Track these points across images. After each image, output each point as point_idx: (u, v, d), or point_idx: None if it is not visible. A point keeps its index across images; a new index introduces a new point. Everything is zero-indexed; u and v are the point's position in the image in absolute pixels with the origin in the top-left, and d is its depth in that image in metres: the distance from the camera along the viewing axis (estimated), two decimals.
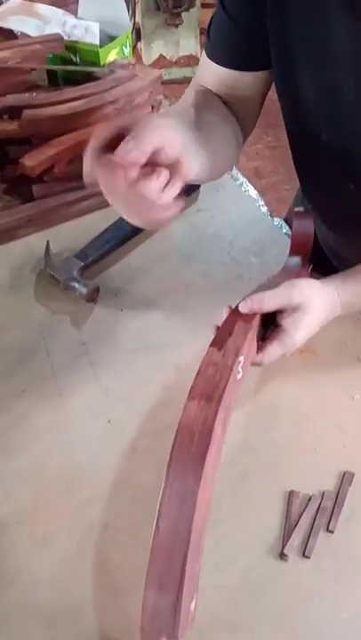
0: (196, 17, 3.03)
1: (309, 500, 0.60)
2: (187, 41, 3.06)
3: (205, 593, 0.53)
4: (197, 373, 0.56)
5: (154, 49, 3.07)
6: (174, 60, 3.09)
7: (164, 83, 1.09)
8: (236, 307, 0.62)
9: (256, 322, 0.61)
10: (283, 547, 0.56)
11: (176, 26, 2.98)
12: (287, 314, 0.63)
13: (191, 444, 0.50)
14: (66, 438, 0.66)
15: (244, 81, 0.72)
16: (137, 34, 3.02)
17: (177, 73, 3.04)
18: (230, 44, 0.70)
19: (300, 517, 0.58)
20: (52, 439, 0.66)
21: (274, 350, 0.63)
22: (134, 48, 3.03)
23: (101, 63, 1.10)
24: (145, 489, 0.61)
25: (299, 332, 0.63)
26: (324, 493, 0.60)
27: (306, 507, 0.59)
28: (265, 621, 0.52)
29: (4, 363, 0.73)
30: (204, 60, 0.74)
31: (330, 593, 0.54)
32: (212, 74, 0.74)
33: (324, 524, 0.58)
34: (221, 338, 0.59)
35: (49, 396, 0.70)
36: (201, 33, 3.11)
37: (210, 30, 0.72)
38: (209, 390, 0.54)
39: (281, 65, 0.67)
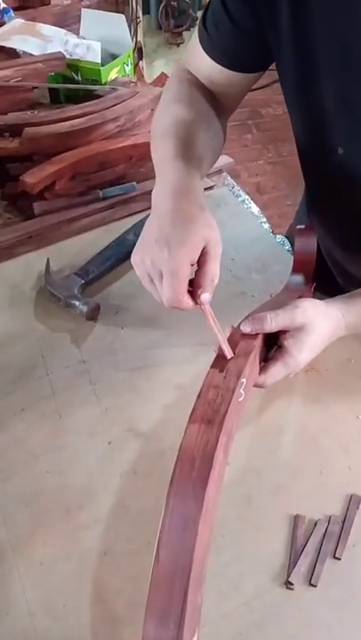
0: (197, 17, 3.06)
1: (315, 524, 0.58)
2: None
3: (209, 622, 0.51)
4: (198, 396, 0.55)
5: (156, 67, 3.10)
6: None
7: None
8: (238, 326, 0.61)
9: (259, 342, 0.60)
10: (288, 574, 0.54)
11: (178, 45, 3.02)
12: (290, 334, 0.61)
13: (192, 470, 0.49)
14: (65, 459, 0.64)
15: (236, 80, 0.73)
16: (139, 53, 3.05)
17: None
18: (228, 45, 0.70)
19: (306, 543, 0.57)
20: (50, 460, 0.64)
21: (277, 371, 0.61)
22: (136, 66, 3.06)
23: (103, 81, 1.11)
24: (145, 513, 0.59)
25: (302, 353, 0.61)
26: (330, 518, 0.59)
27: (312, 532, 0.57)
28: None
29: (2, 381, 0.72)
30: (198, 50, 0.73)
31: (337, 622, 0.52)
32: (204, 66, 0.73)
33: (331, 550, 0.56)
34: (223, 359, 0.58)
35: (48, 415, 0.68)
36: None
37: (206, 20, 0.70)
38: (210, 414, 0.53)
39: (299, 76, 0.66)
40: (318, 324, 0.62)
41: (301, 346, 0.61)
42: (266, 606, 0.53)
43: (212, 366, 0.57)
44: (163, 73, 3.47)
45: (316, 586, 0.54)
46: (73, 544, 0.57)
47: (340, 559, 0.55)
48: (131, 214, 0.94)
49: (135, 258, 0.59)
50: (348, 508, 0.59)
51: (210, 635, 0.51)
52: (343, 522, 0.58)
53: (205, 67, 0.73)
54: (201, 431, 0.51)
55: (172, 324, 0.79)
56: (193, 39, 0.75)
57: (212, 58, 0.72)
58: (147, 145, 0.98)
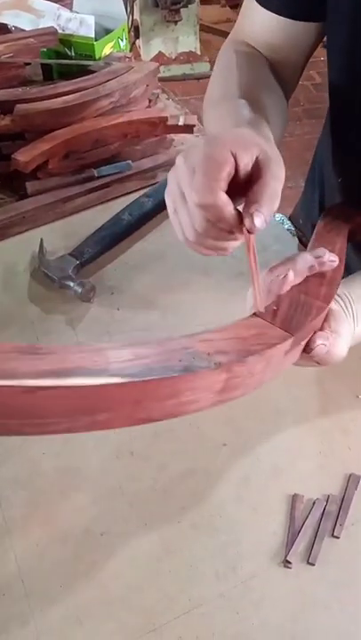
0: (195, 13, 3.01)
1: (314, 504, 0.58)
2: (186, 37, 3.04)
3: (206, 602, 0.51)
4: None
5: (153, 46, 3.05)
6: (173, 57, 3.06)
7: (163, 80, 1.07)
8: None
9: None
10: (286, 554, 0.54)
11: (175, 22, 2.96)
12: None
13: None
14: (60, 441, 0.63)
15: (296, 32, 0.67)
16: (135, 31, 3.00)
17: (176, 70, 3.02)
18: None
19: (304, 522, 0.56)
20: (46, 442, 0.63)
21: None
22: (133, 45, 3.00)
23: (97, 56, 1.08)
24: (141, 494, 0.58)
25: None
26: (329, 497, 0.58)
27: (310, 511, 0.57)
28: (268, 632, 0.50)
29: None
30: (250, 8, 0.68)
31: (335, 602, 0.51)
32: (260, 22, 0.68)
33: (329, 529, 0.56)
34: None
35: None
36: (200, 29, 3.08)
37: None
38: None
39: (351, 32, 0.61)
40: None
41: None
42: (264, 585, 0.52)
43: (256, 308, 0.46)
44: (160, 52, 3.42)
45: (314, 564, 0.53)
46: (69, 526, 0.57)
47: (338, 538, 0.55)
48: (126, 193, 0.92)
49: (167, 187, 0.49)
50: (346, 488, 0.59)
51: (207, 614, 0.50)
52: (342, 501, 0.58)
53: (262, 23, 0.68)
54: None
55: (169, 306, 0.78)
56: (244, 5, 0.71)
57: (269, 8, 0.66)
58: (142, 122, 0.97)
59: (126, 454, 0.62)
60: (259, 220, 0.43)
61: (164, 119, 0.95)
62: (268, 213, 0.44)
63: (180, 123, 0.97)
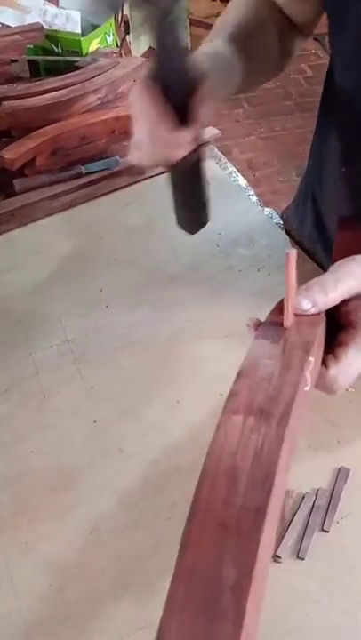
0: (185, 8, 2.99)
1: (303, 498, 0.57)
2: None
3: None
4: (239, 375, 0.37)
5: (143, 41, 3.03)
6: None
7: None
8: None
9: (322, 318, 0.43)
10: (276, 548, 0.54)
11: None
12: (357, 304, 0.44)
13: (234, 495, 0.29)
14: (49, 439, 0.63)
15: None
16: (125, 27, 2.98)
17: None
18: None
19: (293, 517, 0.56)
20: (35, 440, 0.63)
21: (352, 359, 0.43)
22: (123, 41, 2.99)
23: (84, 52, 1.07)
24: (131, 492, 0.58)
25: None
26: (318, 491, 0.58)
27: (299, 505, 0.57)
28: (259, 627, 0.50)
29: None
30: None
31: (325, 596, 0.51)
32: None
33: (319, 523, 0.56)
34: (275, 327, 0.41)
35: (32, 395, 0.67)
36: (191, 24, 3.07)
37: None
38: (264, 401, 0.35)
39: None
40: None
41: None
42: None
43: (257, 337, 0.41)
44: (151, 47, 3.41)
45: (303, 559, 0.53)
46: (58, 524, 0.56)
47: (328, 532, 0.55)
48: (115, 189, 0.92)
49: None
50: (336, 481, 0.59)
51: None
52: (331, 495, 0.57)
53: None
54: (248, 427, 0.33)
55: (157, 301, 0.77)
56: None
57: None
58: (130, 118, 0.96)
59: (115, 451, 0.62)
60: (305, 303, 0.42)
61: None
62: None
63: None
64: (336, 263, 0.45)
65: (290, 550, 0.54)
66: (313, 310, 0.42)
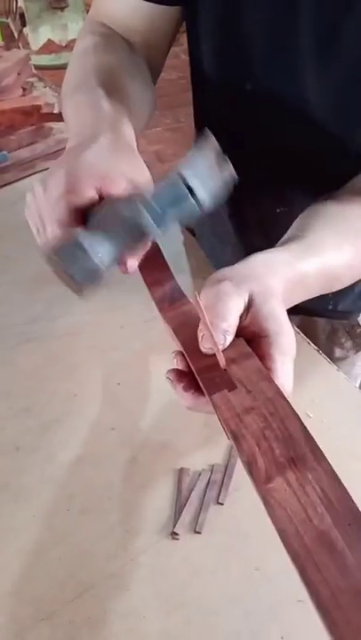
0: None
1: (199, 475, 0.60)
2: (75, 24, 2.98)
3: (97, 584, 0.52)
4: (235, 439, 0.35)
5: (41, 34, 2.97)
6: (64, 45, 3.00)
7: (55, 68, 1.03)
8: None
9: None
10: (174, 525, 0.56)
11: (62, 9, 2.90)
12: (245, 317, 0.44)
13: (344, 561, 0.28)
14: None
15: (154, 15, 0.67)
16: (21, 18, 2.90)
17: (68, 57, 2.93)
18: None
19: (190, 494, 0.58)
20: None
21: (283, 364, 0.42)
22: (20, 34, 2.91)
23: None
24: (28, 489, 0.58)
25: (282, 322, 0.44)
26: (213, 467, 0.60)
27: (196, 482, 0.59)
28: (159, 603, 0.51)
29: None
30: None
31: (221, 566, 0.53)
32: (118, 9, 0.67)
33: (214, 497, 0.58)
34: (215, 375, 0.40)
35: None
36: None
37: None
38: (286, 449, 0.33)
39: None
40: (265, 284, 0.45)
41: (275, 315, 0.44)
42: (153, 560, 0.54)
43: (211, 394, 0.39)
44: (49, 39, 3.34)
45: (200, 533, 0.55)
46: None
47: (222, 505, 0.57)
48: (4, 185, 0.90)
49: (27, 200, 0.50)
50: (230, 455, 0.61)
51: (98, 595, 0.51)
52: (225, 469, 0.60)
53: (120, 7, 0.67)
54: (296, 484, 0.31)
55: (53, 297, 0.77)
56: None
57: None
58: (15, 111, 0.94)
59: (12, 450, 0.61)
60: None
61: (38, 107, 0.94)
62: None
63: (56, 111, 0.96)
64: (203, 291, 0.45)
65: (187, 526, 0.56)
66: (229, 339, 0.43)
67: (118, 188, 0.46)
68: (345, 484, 0.32)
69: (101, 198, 0.47)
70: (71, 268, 0.46)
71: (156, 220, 0.46)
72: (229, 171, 0.48)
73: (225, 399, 0.38)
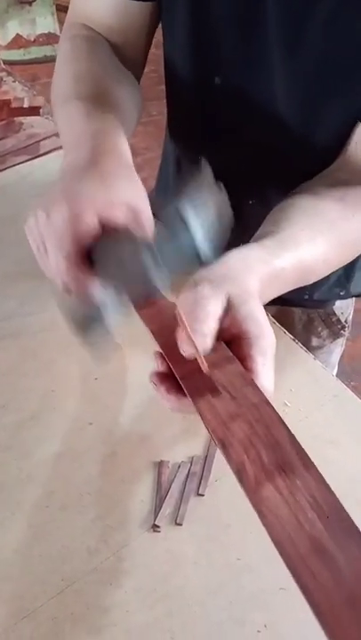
0: None
1: (179, 467, 0.60)
2: (43, 19, 2.94)
3: (79, 579, 0.51)
4: (223, 447, 0.35)
5: (10, 29, 2.92)
6: (32, 39, 2.96)
7: (25, 63, 1.02)
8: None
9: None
10: (155, 518, 0.56)
11: (29, 3, 2.86)
12: (226, 317, 0.44)
13: (337, 565, 0.27)
14: None
15: (131, 13, 0.67)
16: None
17: (37, 52, 2.92)
18: None
19: (170, 486, 0.58)
20: None
21: (263, 365, 0.42)
22: None
23: None
24: (6, 486, 0.57)
25: (260, 321, 0.44)
26: (193, 458, 0.60)
27: (176, 474, 0.59)
28: (141, 596, 0.51)
29: None
30: None
31: (203, 557, 0.54)
32: (96, 8, 0.68)
33: (195, 488, 0.58)
34: (198, 380, 0.40)
35: None
36: (57, 9, 3.00)
37: None
38: (274, 456, 0.33)
39: None
40: (245, 280, 0.46)
41: (254, 316, 0.44)
42: (135, 553, 0.54)
43: (196, 401, 0.39)
44: (18, 34, 3.29)
45: (181, 524, 0.55)
46: None
47: (203, 496, 0.57)
48: None
49: (29, 222, 0.49)
50: (209, 446, 0.61)
51: (81, 590, 0.51)
52: (205, 460, 0.60)
53: (97, 6, 0.67)
54: (286, 490, 0.31)
55: (25, 293, 0.76)
56: None
57: None
58: None
59: None
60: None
61: (8, 102, 0.92)
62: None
63: (25, 105, 0.94)
64: (182, 296, 0.44)
65: (168, 518, 0.56)
66: (209, 342, 0.42)
67: (119, 217, 0.47)
68: (321, 471, 0.33)
69: (103, 226, 0.47)
70: (90, 337, 0.52)
71: (163, 280, 0.48)
72: (229, 216, 0.50)
73: (210, 405, 0.38)
